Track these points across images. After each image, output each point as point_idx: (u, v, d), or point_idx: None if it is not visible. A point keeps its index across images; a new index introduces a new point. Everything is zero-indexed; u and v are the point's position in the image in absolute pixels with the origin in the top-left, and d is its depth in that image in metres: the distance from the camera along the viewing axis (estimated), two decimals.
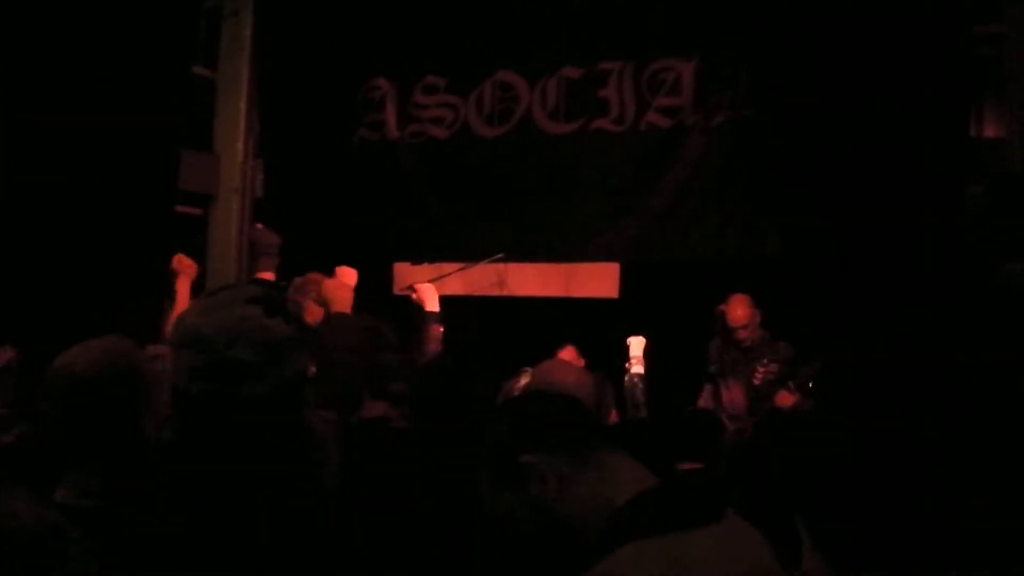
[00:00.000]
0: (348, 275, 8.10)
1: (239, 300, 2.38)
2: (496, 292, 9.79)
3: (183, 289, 7.11)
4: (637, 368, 7.14)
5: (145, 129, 9.19)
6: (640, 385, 6.99)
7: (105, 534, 2.26)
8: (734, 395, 8.03)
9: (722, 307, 8.21)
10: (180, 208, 10.36)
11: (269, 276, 8.73)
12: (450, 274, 9.49)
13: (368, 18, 10.57)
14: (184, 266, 7.19)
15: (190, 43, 10.45)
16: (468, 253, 9.65)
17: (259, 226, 9.33)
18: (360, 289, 8.86)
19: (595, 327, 8.85)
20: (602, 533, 2.01)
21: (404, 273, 10.05)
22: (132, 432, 2.80)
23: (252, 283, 8.65)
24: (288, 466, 2.34)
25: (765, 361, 7.71)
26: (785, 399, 7.37)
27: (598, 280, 9.60)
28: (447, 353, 5.85)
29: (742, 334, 7.83)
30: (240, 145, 10.93)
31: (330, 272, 8.00)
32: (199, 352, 2.30)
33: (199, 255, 10.60)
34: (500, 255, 9.41)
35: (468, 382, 3.58)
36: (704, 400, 8.29)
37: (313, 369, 2.88)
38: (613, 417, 5.88)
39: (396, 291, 9.89)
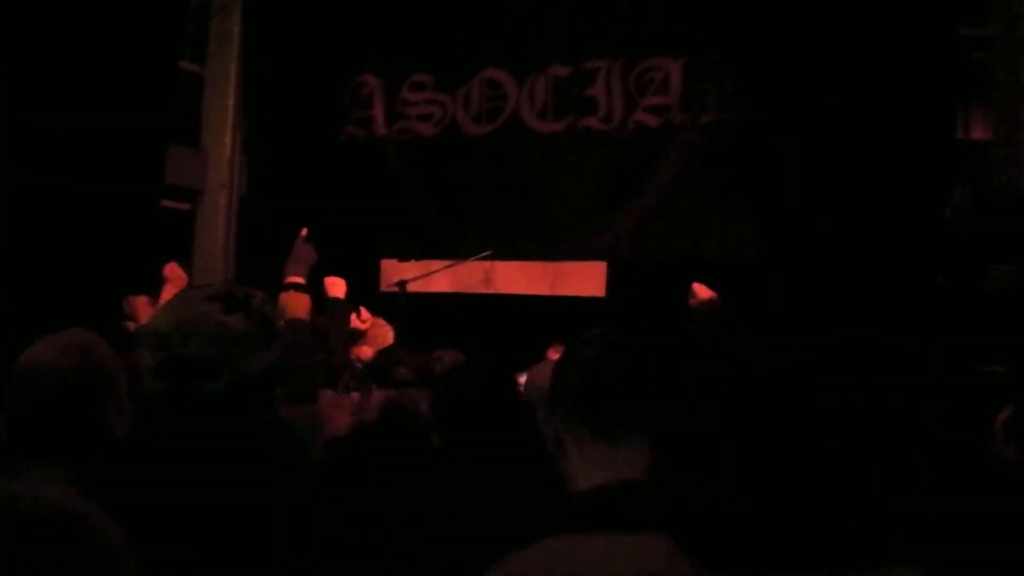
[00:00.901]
0: (337, 285, 8.11)
1: (198, 298, 2.40)
2: (483, 290, 9.79)
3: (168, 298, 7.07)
4: None
5: (133, 124, 9.19)
6: None
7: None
8: None
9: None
10: (167, 203, 10.35)
11: (299, 280, 8.64)
12: (437, 271, 9.50)
13: (356, 15, 10.56)
14: (174, 276, 7.14)
15: (178, 38, 10.44)
16: (455, 250, 9.63)
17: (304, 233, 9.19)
18: (348, 286, 8.87)
19: (581, 326, 8.83)
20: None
21: (391, 270, 10.03)
22: (96, 427, 2.74)
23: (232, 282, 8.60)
24: (250, 463, 2.34)
25: None
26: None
27: (585, 279, 9.60)
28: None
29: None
30: (228, 141, 10.94)
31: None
32: (156, 349, 2.33)
33: (186, 250, 10.62)
34: (487, 253, 9.38)
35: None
36: None
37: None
38: None
39: (383, 288, 9.86)
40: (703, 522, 2.07)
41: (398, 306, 8.62)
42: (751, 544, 2.05)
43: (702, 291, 7.74)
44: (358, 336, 7.23)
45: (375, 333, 7.32)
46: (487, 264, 9.66)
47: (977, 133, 9.08)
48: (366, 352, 7.17)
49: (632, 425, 2.29)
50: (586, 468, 2.25)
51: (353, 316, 8.38)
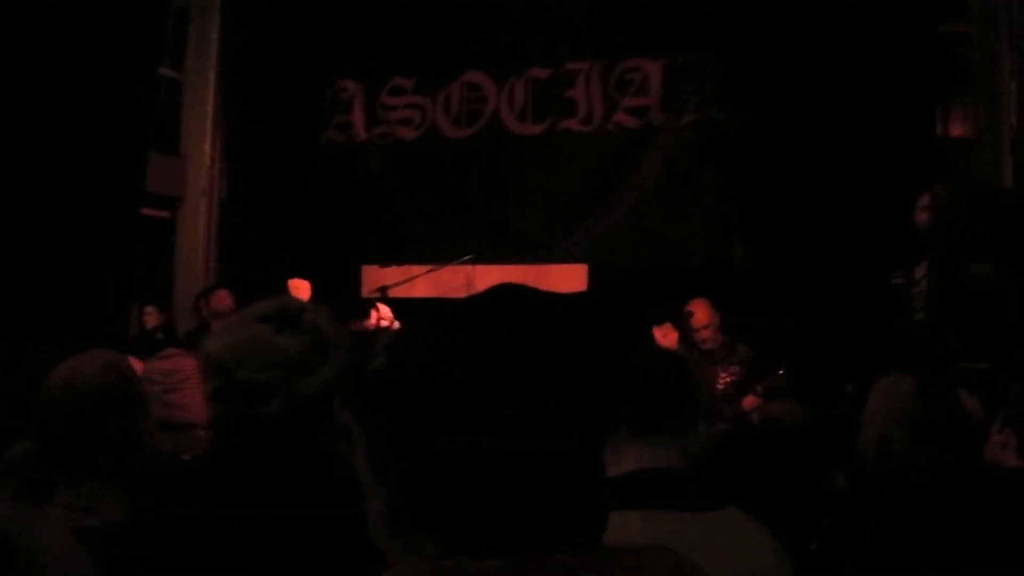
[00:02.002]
0: (300, 288, 8.11)
1: (249, 319, 2.37)
2: (464, 294, 9.73)
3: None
4: None
5: (112, 130, 9.14)
6: None
7: (116, 555, 2.23)
8: None
9: (687, 309, 8.16)
10: (147, 210, 10.31)
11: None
12: (418, 276, 9.47)
13: (335, 19, 10.52)
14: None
15: (157, 44, 10.38)
16: (436, 255, 9.61)
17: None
18: (329, 291, 8.84)
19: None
20: None
21: (373, 275, 10.00)
22: (138, 448, 2.79)
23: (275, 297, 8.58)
24: (316, 482, 2.31)
25: (727, 366, 7.58)
26: (751, 403, 7.34)
27: (566, 281, 9.56)
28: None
29: (703, 334, 7.70)
30: (207, 147, 10.91)
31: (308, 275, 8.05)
32: (212, 376, 2.31)
33: (167, 257, 10.59)
34: (468, 256, 9.36)
35: None
36: None
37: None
38: None
39: (365, 293, 9.84)
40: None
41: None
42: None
43: (701, 309, 7.84)
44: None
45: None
46: (468, 268, 9.63)
47: (957, 130, 9.07)
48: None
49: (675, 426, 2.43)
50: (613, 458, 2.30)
51: (373, 313, 8.38)
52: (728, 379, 7.54)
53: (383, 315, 8.49)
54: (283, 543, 2.18)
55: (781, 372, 7.27)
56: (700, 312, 7.78)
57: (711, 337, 7.73)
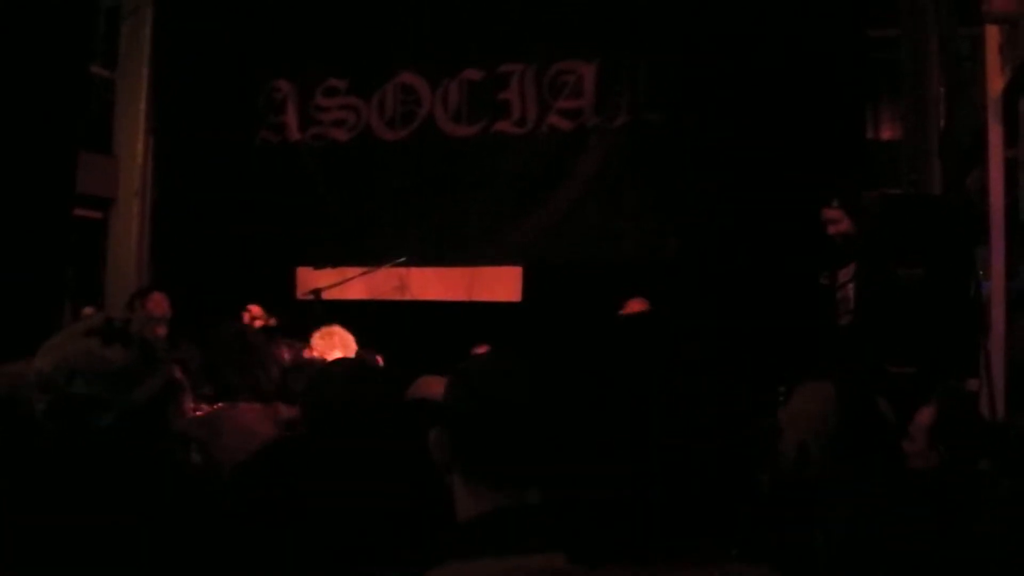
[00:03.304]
0: (157, 303, 8.03)
1: (77, 334, 2.39)
2: (398, 296, 9.75)
3: None
4: None
5: (42, 130, 9.05)
6: None
7: None
8: None
9: (623, 312, 8.15)
10: (79, 211, 10.20)
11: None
12: (352, 278, 9.46)
13: (269, 19, 10.48)
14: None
15: (88, 43, 10.28)
16: (370, 257, 9.60)
17: None
18: (262, 293, 8.80)
19: (499, 331, 8.80)
20: None
21: (307, 277, 9.98)
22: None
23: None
24: (153, 488, 2.32)
25: None
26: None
27: (500, 284, 9.58)
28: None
29: None
30: (140, 147, 10.83)
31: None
32: (44, 392, 2.33)
33: (97, 260, 10.49)
34: (402, 259, 9.36)
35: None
36: None
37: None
38: None
39: (299, 296, 9.81)
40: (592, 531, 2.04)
41: (315, 314, 8.58)
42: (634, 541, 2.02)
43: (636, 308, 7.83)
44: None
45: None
46: (402, 270, 9.64)
47: (886, 133, 9.18)
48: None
49: (525, 483, 2.11)
50: (471, 493, 2.11)
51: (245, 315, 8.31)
52: None
53: (255, 314, 8.41)
54: (119, 547, 2.20)
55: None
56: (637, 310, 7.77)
57: None
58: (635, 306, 7.97)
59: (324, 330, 6.84)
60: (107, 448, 2.30)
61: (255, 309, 8.38)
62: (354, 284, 9.46)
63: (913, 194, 8.25)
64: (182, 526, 2.27)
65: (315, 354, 6.51)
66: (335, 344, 6.72)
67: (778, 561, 3.12)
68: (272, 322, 8.27)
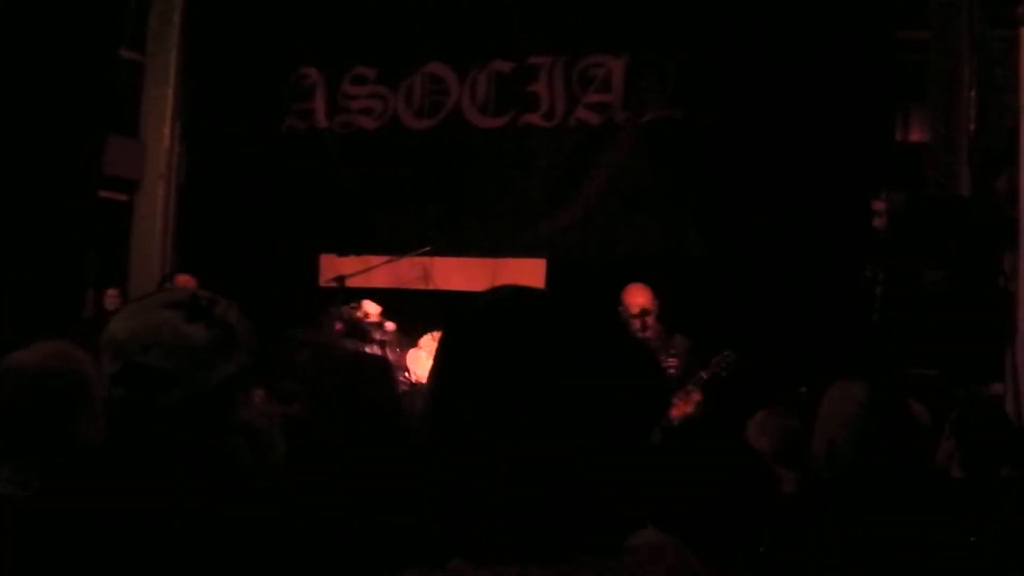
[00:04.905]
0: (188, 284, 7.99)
1: (158, 305, 2.34)
2: (422, 286, 9.75)
3: None
4: None
5: (71, 113, 9.09)
6: None
7: (35, 526, 2.27)
8: None
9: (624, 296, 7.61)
10: (104, 193, 10.25)
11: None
12: (376, 267, 9.47)
13: (299, 6, 10.48)
14: None
15: (118, 27, 10.32)
16: (394, 246, 9.62)
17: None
18: (286, 279, 8.83)
19: None
20: None
21: (331, 264, 9.99)
22: (64, 431, 2.84)
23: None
24: (212, 474, 2.29)
25: (663, 357, 7.10)
26: (680, 412, 6.91)
27: (524, 275, 9.54)
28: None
29: (635, 324, 7.23)
30: (167, 131, 10.84)
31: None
32: (115, 357, 2.28)
33: (122, 242, 10.52)
34: (426, 248, 9.37)
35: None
36: None
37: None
38: None
39: (323, 283, 9.83)
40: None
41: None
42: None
43: (639, 295, 7.57)
44: None
45: None
46: (426, 260, 9.64)
47: (915, 136, 9.15)
48: None
49: None
50: None
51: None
52: None
53: (368, 312, 8.44)
54: (174, 532, 2.17)
55: (726, 353, 6.97)
56: (638, 298, 7.44)
57: (650, 325, 7.34)
58: (636, 291, 7.52)
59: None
60: (162, 427, 2.26)
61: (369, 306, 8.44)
62: (378, 272, 9.48)
63: (940, 196, 8.21)
64: (209, 522, 2.21)
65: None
66: None
67: (804, 561, 3.14)
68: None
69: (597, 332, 1.52)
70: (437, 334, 6.56)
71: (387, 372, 3.91)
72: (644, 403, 1.51)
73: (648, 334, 7.28)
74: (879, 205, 6.89)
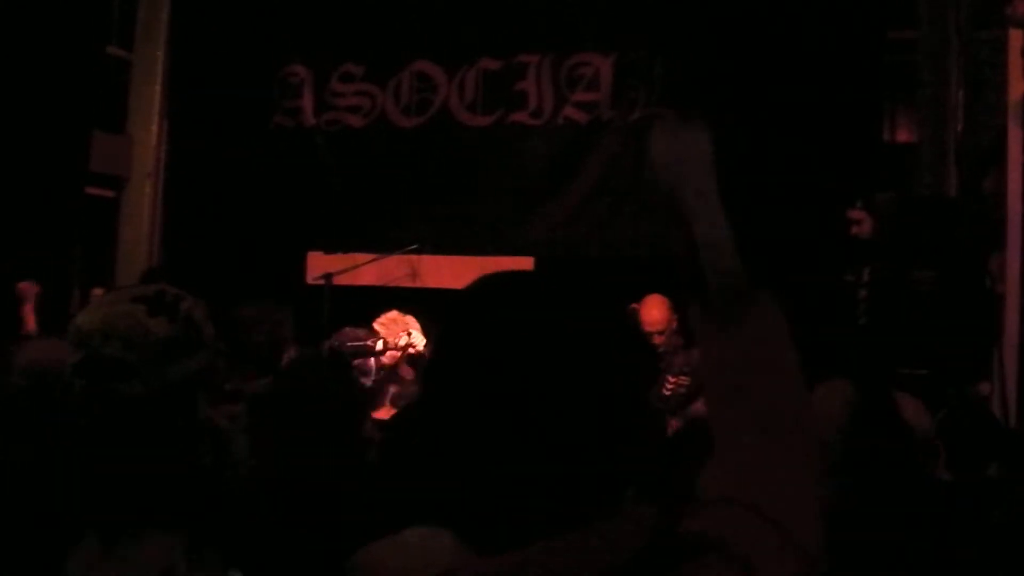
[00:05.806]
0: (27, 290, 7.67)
1: (124, 298, 2.37)
2: (409, 284, 9.73)
3: (28, 315, 6.87)
4: None
5: (58, 109, 9.06)
6: None
7: None
8: None
9: (635, 306, 7.51)
10: (91, 190, 10.21)
11: None
12: (363, 264, 9.46)
13: (287, 3, 10.46)
14: (28, 293, 6.94)
15: (105, 23, 10.29)
16: (382, 243, 9.60)
17: None
18: (273, 277, 8.79)
19: None
20: None
21: (318, 262, 9.96)
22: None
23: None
24: (171, 467, 2.30)
25: (676, 371, 6.99)
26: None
27: None
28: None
29: (656, 340, 7.11)
30: (154, 128, 10.82)
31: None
32: (77, 347, 2.30)
33: (109, 239, 10.49)
34: (414, 246, 9.36)
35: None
36: None
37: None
38: None
39: (310, 280, 9.80)
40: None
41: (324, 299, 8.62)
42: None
43: (658, 308, 7.36)
44: None
45: None
46: (414, 258, 9.63)
47: (903, 136, 9.15)
48: None
49: None
50: None
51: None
52: (674, 385, 7.06)
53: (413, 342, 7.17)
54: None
55: None
56: (656, 312, 7.30)
57: (665, 342, 7.20)
58: (651, 304, 7.40)
59: (386, 317, 6.60)
60: (122, 418, 2.28)
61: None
62: (365, 270, 9.46)
63: (927, 196, 8.22)
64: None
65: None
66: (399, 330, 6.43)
67: None
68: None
69: (586, 308, 1.52)
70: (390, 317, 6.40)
71: (347, 369, 3.90)
72: (634, 373, 1.51)
73: (662, 348, 7.17)
74: (857, 214, 6.85)
